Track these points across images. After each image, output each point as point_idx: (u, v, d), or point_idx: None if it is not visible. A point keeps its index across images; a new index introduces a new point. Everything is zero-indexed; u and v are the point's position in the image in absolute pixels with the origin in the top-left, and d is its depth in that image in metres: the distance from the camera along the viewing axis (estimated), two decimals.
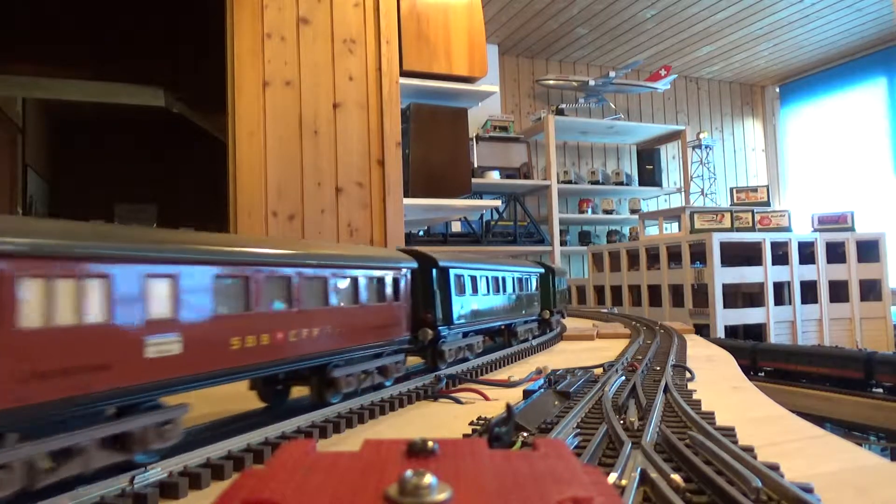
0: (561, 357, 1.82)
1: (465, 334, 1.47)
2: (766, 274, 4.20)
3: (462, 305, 1.40)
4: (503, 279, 1.67)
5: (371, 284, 1.06)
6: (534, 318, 1.96)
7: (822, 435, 0.89)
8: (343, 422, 0.97)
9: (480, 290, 1.51)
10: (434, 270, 1.31)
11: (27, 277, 0.53)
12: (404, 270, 1.18)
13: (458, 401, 1.18)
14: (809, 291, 4.38)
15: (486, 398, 1.20)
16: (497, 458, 0.32)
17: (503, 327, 1.75)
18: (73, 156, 6.09)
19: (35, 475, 0.55)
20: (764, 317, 4.17)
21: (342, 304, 0.98)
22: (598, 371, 1.35)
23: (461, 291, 1.40)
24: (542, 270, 2.04)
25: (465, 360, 1.44)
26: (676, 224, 5.12)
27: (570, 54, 6.91)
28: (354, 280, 1.01)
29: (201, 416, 0.93)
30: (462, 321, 1.40)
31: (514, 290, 1.75)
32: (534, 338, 1.94)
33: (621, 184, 6.57)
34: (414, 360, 1.33)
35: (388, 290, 1.12)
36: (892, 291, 4.57)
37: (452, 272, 1.35)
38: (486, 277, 1.57)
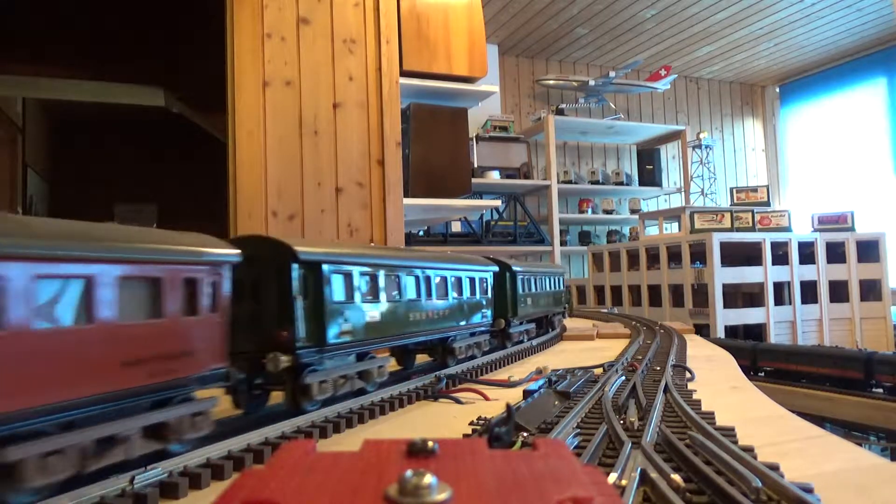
0: (561, 357, 1.82)
1: (362, 356, 1.11)
2: (766, 274, 4.20)
3: (349, 317, 1.02)
4: (427, 279, 1.28)
5: (127, 289, 0.66)
6: (483, 329, 1.59)
7: (822, 435, 0.89)
8: (343, 422, 0.98)
9: (386, 295, 1.14)
10: (296, 267, 0.93)
11: None
12: (211, 267, 0.79)
13: (458, 401, 1.18)
14: (809, 291, 4.38)
15: (486, 398, 1.20)
16: (497, 458, 0.32)
17: (435, 342, 1.39)
18: (73, 156, 6.08)
19: None
20: (764, 317, 4.17)
21: (51, 323, 0.58)
22: (598, 371, 1.35)
23: (348, 297, 1.03)
24: (496, 269, 1.69)
25: (363, 392, 1.09)
26: (676, 224, 5.12)
27: (570, 54, 6.90)
28: (87, 281, 0.61)
29: None
30: (346, 339, 1.02)
31: (448, 293, 1.38)
32: (483, 354, 1.60)
33: (621, 184, 6.57)
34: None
35: (173, 297, 0.72)
36: (892, 291, 4.57)
37: (328, 269, 0.98)
38: (396, 277, 1.18)
